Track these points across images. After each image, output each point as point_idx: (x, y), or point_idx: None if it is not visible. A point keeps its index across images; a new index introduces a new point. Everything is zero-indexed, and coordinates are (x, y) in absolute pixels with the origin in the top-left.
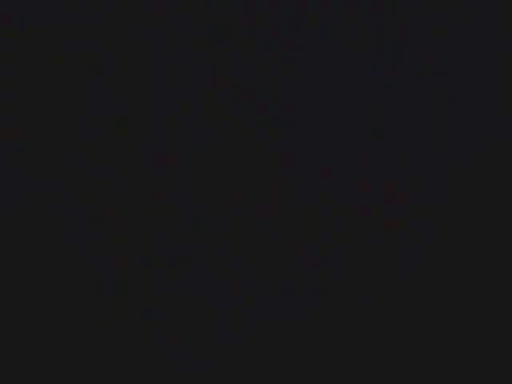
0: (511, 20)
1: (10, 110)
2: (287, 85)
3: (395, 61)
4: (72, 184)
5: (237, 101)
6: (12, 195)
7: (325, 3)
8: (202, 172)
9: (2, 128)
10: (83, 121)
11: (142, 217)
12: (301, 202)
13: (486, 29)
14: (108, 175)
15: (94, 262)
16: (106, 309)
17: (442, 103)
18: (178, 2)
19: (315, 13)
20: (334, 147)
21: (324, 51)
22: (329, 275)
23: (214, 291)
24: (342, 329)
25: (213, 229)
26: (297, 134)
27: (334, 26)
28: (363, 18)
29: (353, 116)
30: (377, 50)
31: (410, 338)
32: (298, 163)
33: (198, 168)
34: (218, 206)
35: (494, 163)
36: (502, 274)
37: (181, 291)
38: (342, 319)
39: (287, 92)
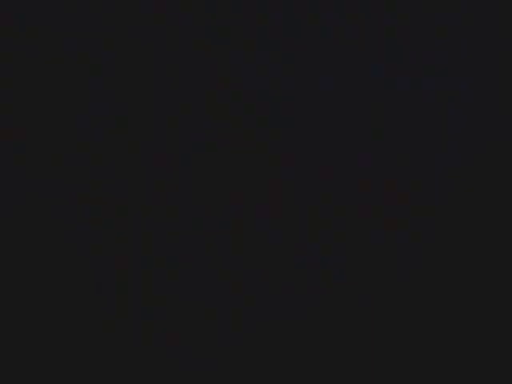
0: (511, 20)
1: (10, 110)
2: (287, 85)
3: (395, 61)
4: (72, 184)
5: (237, 101)
6: (12, 195)
7: (325, 3)
8: (202, 172)
9: (2, 128)
10: (83, 121)
11: (142, 217)
12: (301, 202)
13: (485, 29)
14: (108, 175)
15: (94, 261)
16: (106, 309)
17: (442, 103)
18: (177, 2)
19: (315, 13)
20: (334, 147)
21: (324, 51)
22: (329, 275)
23: (214, 291)
24: (342, 329)
25: (213, 229)
26: (297, 134)
27: (334, 26)
28: (363, 18)
29: (353, 116)
30: (377, 50)
31: (409, 337)
32: (297, 163)
33: (198, 168)
34: (218, 205)
35: (494, 163)
36: (502, 274)
37: (181, 291)
38: (342, 319)
39: (287, 92)
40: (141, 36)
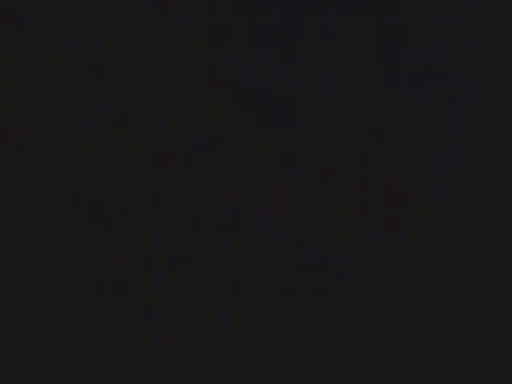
0: (511, 20)
1: (10, 110)
2: (287, 85)
3: (395, 61)
4: (72, 184)
5: (237, 101)
6: (12, 195)
7: (325, 3)
8: (202, 172)
9: (2, 128)
10: (83, 121)
11: (142, 217)
12: (301, 202)
13: (485, 29)
14: (108, 175)
15: (94, 261)
16: (106, 309)
17: (442, 103)
18: (177, 2)
19: (315, 13)
20: (334, 147)
21: (324, 51)
22: (329, 275)
23: (214, 291)
24: (342, 329)
25: (213, 229)
26: (297, 134)
27: (334, 26)
28: (363, 18)
29: (353, 116)
30: (377, 50)
31: (409, 337)
32: (297, 163)
33: (198, 168)
34: (218, 205)
35: (494, 163)
36: (502, 274)
37: (181, 291)
38: (342, 319)
39: (287, 92)
40: (141, 36)
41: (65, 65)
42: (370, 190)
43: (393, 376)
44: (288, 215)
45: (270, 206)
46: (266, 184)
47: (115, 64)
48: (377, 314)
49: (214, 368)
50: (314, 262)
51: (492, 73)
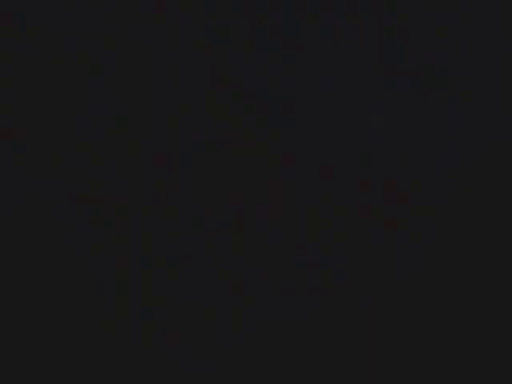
0: (511, 20)
1: (10, 110)
2: (287, 85)
3: (395, 61)
4: (72, 184)
5: (237, 101)
6: (12, 195)
7: (325, 3)
8: (202, 172)
9: (2, 128)
10: (83, 121)
11: (142, 217)
12: (301, 202)
13: (485, 29)
14: (108, 175)
15: (94, 261)
16: (106, 309)
17: (442, 103)
18: (177, 2)
19: (315, 13)
20: (334, 147)
21: (324, 51)
22: (329, 275)
23: (214, 291)
24: (342, 329)
25: (213, 229)
26: (297, 134)
27: (334, 26)
28: (363, 18)
29: (353, 116)
30: (377, 50)
31: (409, 337)
32: (297, 163)
33: (198, 168)
34: (218, 205)
35: (494, 163)
36: (502, 274)
37: (181, 291)
38: (342, 319)
39: (287, 92)
40: (141, 36)
41: (65, 65)
42: (369, 190)
43: (393, 376)
44: (288, 215)
45: (270, 206)
46: (265, 184)
47: (115, 64)
48: (377, 314)
49: (214, 368)
50: (313, 261)
51: (492, 73)
